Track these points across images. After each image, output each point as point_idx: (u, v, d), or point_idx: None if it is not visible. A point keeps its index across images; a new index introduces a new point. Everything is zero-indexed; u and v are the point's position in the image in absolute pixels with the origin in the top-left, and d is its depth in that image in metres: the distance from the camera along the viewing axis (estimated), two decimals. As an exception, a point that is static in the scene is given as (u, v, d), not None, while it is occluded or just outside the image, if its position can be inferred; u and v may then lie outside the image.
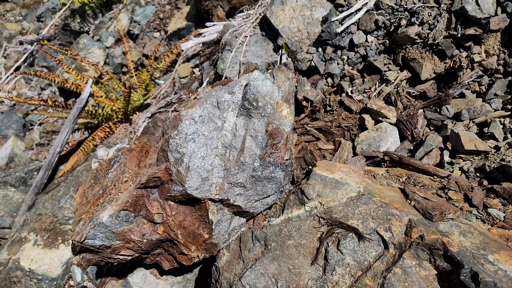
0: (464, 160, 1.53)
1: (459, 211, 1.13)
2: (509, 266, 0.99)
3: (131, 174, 1.51)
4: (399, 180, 1.32)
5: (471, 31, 1.69)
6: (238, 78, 1.22)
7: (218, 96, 1.22)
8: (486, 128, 1.59)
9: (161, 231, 1.34)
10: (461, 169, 1.49)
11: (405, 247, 1.12)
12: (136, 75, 2.88)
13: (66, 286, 2.38)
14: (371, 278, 1.15)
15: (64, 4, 4.74)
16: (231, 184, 1.24)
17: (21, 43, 4.86)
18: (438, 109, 1.77)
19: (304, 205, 1.28)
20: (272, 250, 1.32)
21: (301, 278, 1.26)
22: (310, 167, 1.46)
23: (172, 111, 1.26)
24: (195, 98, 1.29)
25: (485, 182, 1.37)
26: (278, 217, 1.34)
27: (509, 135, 1.51)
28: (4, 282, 2.37)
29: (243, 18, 2.43)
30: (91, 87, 2.52)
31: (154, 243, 1.38)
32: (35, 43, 4.61)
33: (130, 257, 1.50)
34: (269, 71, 1.24)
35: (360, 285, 1.16)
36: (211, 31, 2.42)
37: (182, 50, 2.68)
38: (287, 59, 2.05)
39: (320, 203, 1.25)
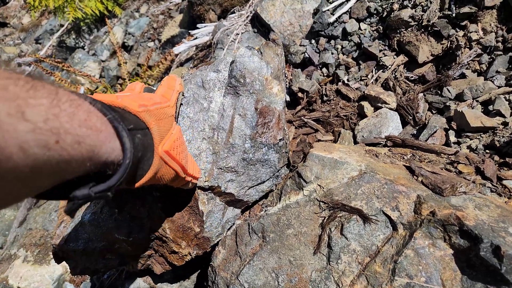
0: (471, 139, 1.43)
1: (471, 184, 1.02)
2: (535, 236, 0.87)
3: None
4: (403, 158, 1.23)
5: (465, 9, 1.64)
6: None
7: (202, 75, 1.15)
8: (491, 106, 1.51)
9: (148, 227, 1.23)
10: (469, 147, 1.39)
11: (416, 225, 1.01)
12: (130, 83, 2.84)
13: (58, 305, 2.23)
14: (381, 264, 1.03)
15: (61, 25, 4.82)
16: (221, 169, 1.14)
17: (19, 65, 4.92)
18: (439, 92, 1.69)
19: (303, 190, 1.18)
20: (271, 242, 1.21)
21: (303, 270, 1.13)
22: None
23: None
24: (181, 81, 1.21)
25: (496, 157, 1.26)
26: (275, 205, 1.23)
27: (517, 109, 1.42)
28: (-7, 304, 2.22)
29: (235, 18, 2.41)
30: (83, 95, 2.47)
31: (141, 242, 1.27)
32: (33, 64, 4.65)
33: (117, 261, 1.38)
34: (257, 47, 1.18)
35: (369, 273, 1.04)
36: (203, 32, 2.40)
37: (176, 56, 2.65)
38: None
39: (319, 185, 1.15)
